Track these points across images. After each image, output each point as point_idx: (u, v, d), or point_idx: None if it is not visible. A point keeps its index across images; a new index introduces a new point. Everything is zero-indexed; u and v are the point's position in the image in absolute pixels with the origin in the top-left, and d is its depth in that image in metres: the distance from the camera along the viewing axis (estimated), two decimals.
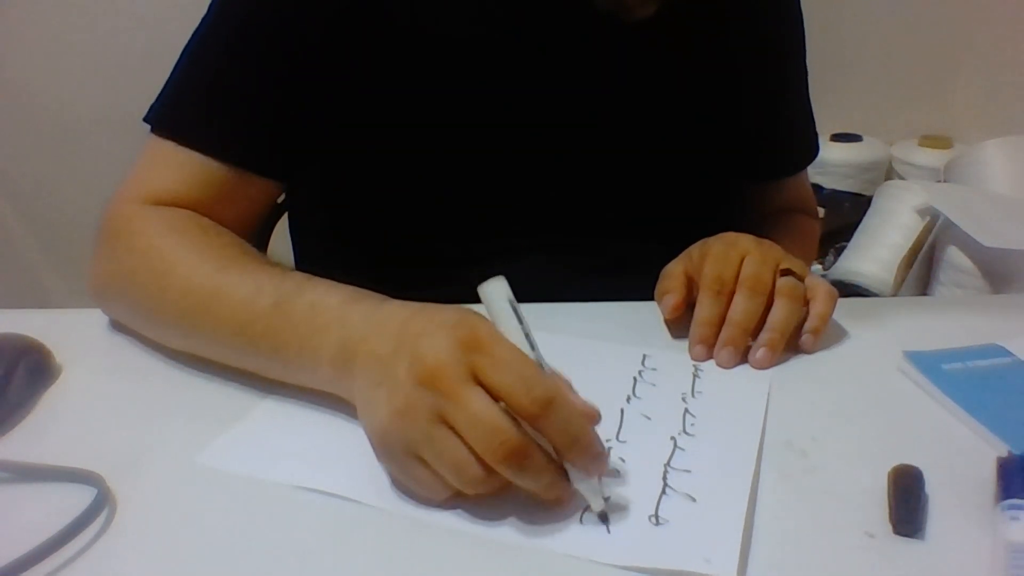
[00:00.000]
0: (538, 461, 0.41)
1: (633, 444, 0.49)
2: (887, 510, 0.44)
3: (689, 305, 0.62)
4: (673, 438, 0.50)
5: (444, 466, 0.42)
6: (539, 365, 0.43)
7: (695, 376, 0.57)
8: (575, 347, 0.59)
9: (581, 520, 0.43)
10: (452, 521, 0.43)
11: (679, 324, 0.62)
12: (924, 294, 1.47)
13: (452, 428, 0.41)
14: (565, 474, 0.42)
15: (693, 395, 0.54)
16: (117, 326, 0.63)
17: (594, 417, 0.44)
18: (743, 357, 0.58)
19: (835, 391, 0.56)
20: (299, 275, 0.56)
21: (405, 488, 0.45)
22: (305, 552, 0.41)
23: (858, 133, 1.92)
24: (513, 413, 0.41)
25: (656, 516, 0.43)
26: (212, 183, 0.63)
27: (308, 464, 0.47)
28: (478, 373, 0.41)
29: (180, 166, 0.63)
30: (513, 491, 0.43)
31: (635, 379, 0.56)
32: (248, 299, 0.54)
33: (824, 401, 0.54)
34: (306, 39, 0.64)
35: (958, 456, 0.49)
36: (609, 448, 0.48)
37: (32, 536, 0.40)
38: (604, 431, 0.49)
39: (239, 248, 0.61)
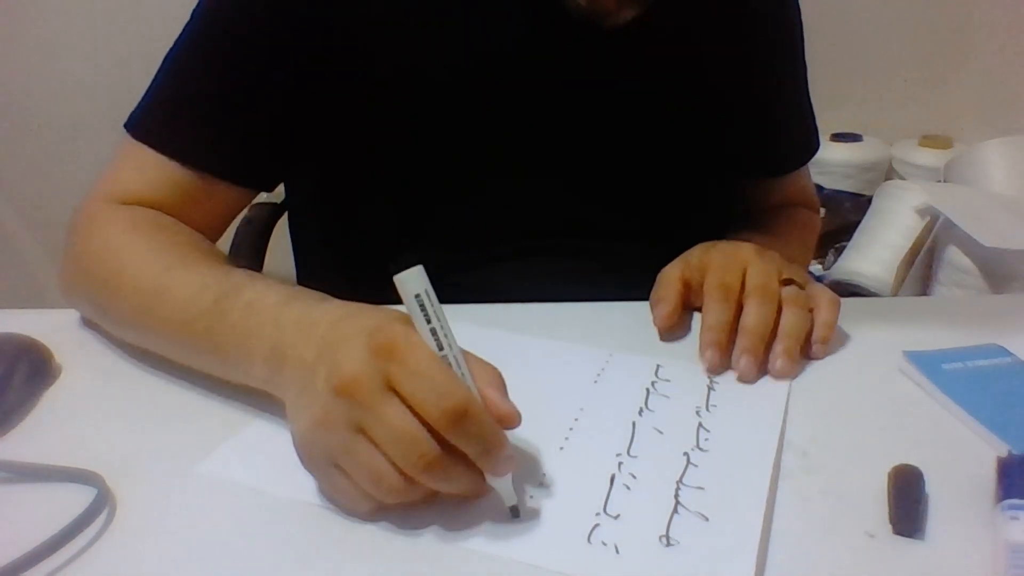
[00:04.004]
0: (457, 469, 0.41)
1: (644, 460, 0.48)
2: (887, 510, 0.44)
3: (685, 310, 0.62)
4: (686, 454, 0.48)
5: (363, 477, 0.41)
6: (456, 365, 0.41)
7: (710, 389, 0.55)
8: (588, 355, 0.58)
9: (589, 540, 0.41)
10: (455, 536, 0.42)
11: (670, 333, 0.62)
12: (924, 294, 1.47)
13: (370, 439, 0.40)
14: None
15: (708, 409, 0.53)
16: None
17: (512, 418, 0.42)
18: (764, 365, 0.57)
19: (835, 391, 0.56)
20: (242, 273, 0.55)
21: (331, 498, 0.44)
22: (304, 552, 0.41)
23: (858, 133, 1.92)
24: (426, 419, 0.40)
25: (667, 536, 0.42)
26: (180, 186, 0.64)
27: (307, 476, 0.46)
28: (392, 383, 0.40)
29: (150, 168, 0.63)
30: (435, 499, 0.43)
31: (648, 391, 0.55)
32: (191, 297, 0.54)
33: (824, 401, 0.54)
34: (287, 52, 0.64)
35: (958, 456, 0.49)
36: (620, 463, 0.47)
37: (32, 536, 0.40)
38: (615, 445, 0.49)
39: (192, 246, 0.61)
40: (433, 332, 0.41)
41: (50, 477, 0.46)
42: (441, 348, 0.41)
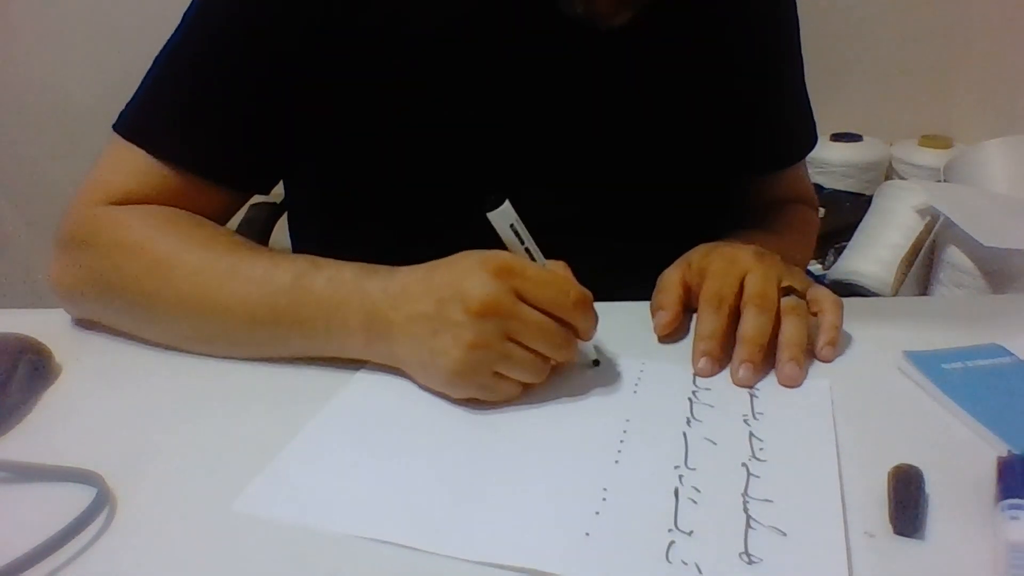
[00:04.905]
0: (574, 342, 0.53)
1: (704, 472, 0.47)
2: (887, 510, 0.44)
3: (685, 313, 0.62)
4: (744, 464, 0.47)
5: (522, 371, 0.52)
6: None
7: (752, 396, 0.55)
8: (622, 367, 0.58)
9: (668, 559, 0.40)
10: (529, 559, 0.40)
11: (672, 338, 0.62)
12: (924, 294, 1.47)
13: (516, 342, 0.51)
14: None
15: (755, 417, 0.52)
16: None
17: (591, 297, 0.54)
18: (762, 374, 0.57)
19: (835, 391, 0.55)
20: (306, 255, 0.58)
21: (480, 403, 0.52)
22: (305, 552, 0.41)
23: (858, 133, 1.92)
24: (554, 314, 0.51)
25: (747, 554, 0.40)
26: (172, 187, 0.63)
27: (355, 508, 0.44)
28: (521, 293, 0.51)
29: (141, 169, 0.63)
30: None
31: (690, 400, 0.54)
32: (266, 275, 0.57)
33: None
34: (279, 54, 0.64)
35: (958, 456, 0.49)
36: (680, 476, 0.46)
37: (32, 536, 0.40)
38: (670, 457, 0.48)
39: (228, 232, 0.62)
40: (527, 251, 0.54)
41: (50, 477, 0.46)
42: (536, 259, 0.54)
